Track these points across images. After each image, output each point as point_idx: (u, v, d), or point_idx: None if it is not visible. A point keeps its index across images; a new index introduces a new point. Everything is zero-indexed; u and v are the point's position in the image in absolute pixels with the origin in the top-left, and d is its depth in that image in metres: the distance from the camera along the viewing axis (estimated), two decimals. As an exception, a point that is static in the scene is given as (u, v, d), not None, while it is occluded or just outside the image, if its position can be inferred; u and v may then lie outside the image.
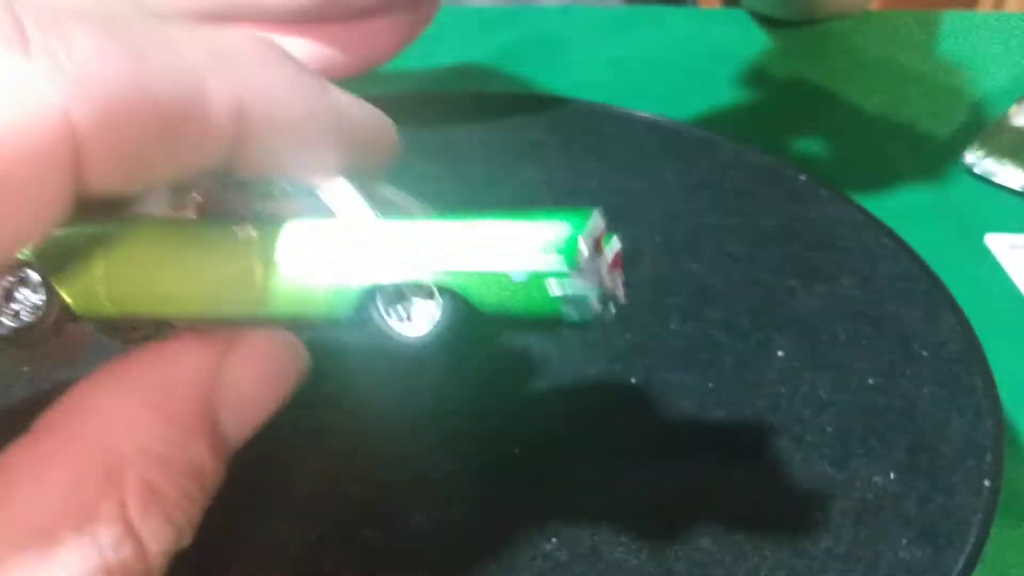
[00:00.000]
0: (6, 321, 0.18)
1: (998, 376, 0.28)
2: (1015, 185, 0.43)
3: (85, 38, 0.14)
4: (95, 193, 0.14)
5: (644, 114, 0.42)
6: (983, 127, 0.47)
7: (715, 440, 0.27)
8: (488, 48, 0.54)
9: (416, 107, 0.42)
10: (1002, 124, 0.47)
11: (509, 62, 0.52)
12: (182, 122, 0.15)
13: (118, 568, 0.15)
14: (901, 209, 0.42)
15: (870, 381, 0.28)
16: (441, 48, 0.53)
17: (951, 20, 0.58)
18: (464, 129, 0.41)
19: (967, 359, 0.29)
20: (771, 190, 0.37)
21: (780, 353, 0.29)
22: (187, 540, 0.17)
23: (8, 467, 0.15)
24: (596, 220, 0.16)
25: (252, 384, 0.17)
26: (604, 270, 0.16)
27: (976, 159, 0.45)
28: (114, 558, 0.15)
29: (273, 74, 0.16)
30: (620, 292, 0.17)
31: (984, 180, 0.44)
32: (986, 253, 0.40)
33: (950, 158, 0.45)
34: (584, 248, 0.15)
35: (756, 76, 0.53)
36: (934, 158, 0.46)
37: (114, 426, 0.16)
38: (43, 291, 0.18)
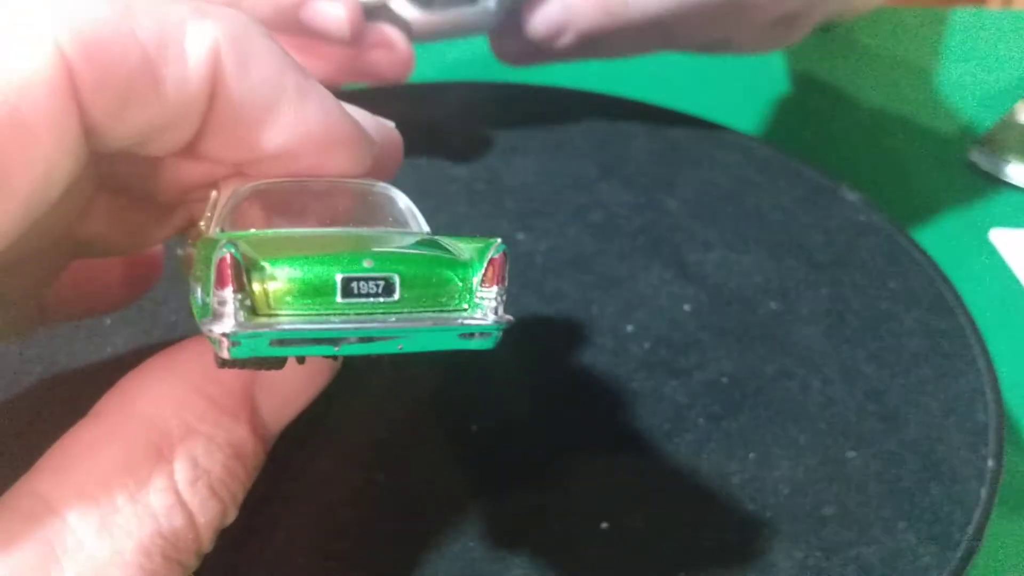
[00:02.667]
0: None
1: (1001, 370, 0.28)
2: (1020, 181, 0.44)
3: None
4: (98, 133, 0.16)
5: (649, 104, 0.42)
6: (989, 124, 0.47)
7: (706, 427, 0.27)
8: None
9: (414, 96, 0.42)
10: (1008, 121, 0.47)
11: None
12: (162, 59, 0.16)
13: (171, 534, 0.16)
14: (906, 204, 0.42)
15: (872, 373, 0.29)
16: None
17: (959, 17, 0.58)
18: (462, 119, 0.41)
19: (970, 353, 0.29)
20: (773, 184, 0.37)
21: (781, 340, 0.30)
22: (232, 516, 0.18)
23: (70, 444, 0.17)
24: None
25: (289, 373, 0.18)
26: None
27: (982, 155, 0.45)
28: (167, 525, 0.16)
29: (250, 38, 0.17)
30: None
31: (990, 176, 0.44)
32: (990, 248, 0.40)
33: (956, 154, 0.46)
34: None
35: (763, 71, 0.53)
36: (940, 154, 0.46)
37: (163, 407, 0.17)
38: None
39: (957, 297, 0.31)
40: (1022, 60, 0.54)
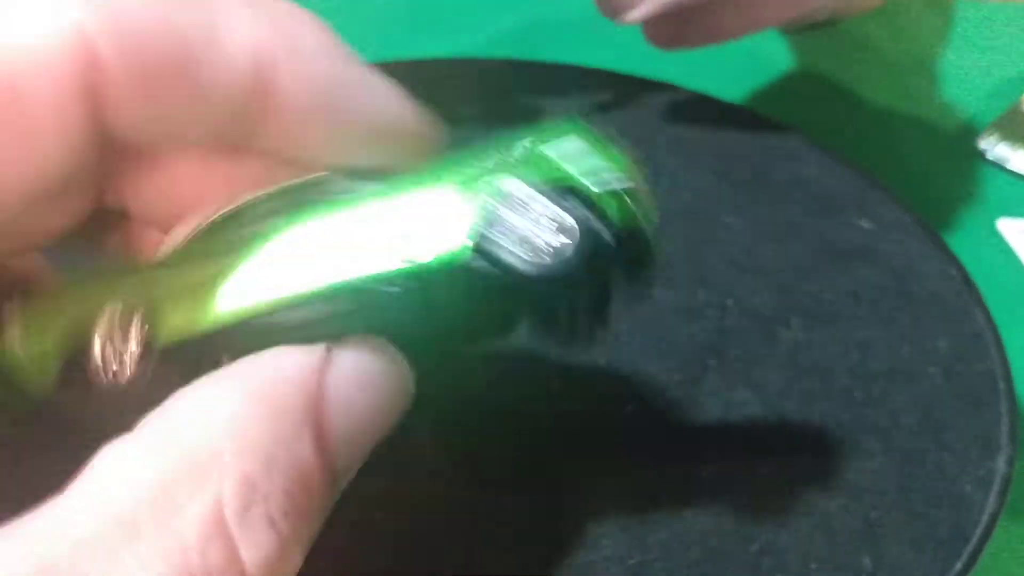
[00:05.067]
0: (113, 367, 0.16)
1: (1012, 360, 0.28)
2: (1029, 171, 0.43)
3: None
4: (115, 134, 0.14)
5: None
6: (997, 113, 0.47)
7: (709, 424, 0.26)
8: (497, 25, 0.53)
9: (416, 76, 0.41)
10: (1016, 110, 0.47)
11: (519, 37, 0.52)
12: (203, 53, 0.14)
13: (203, 572, 0.13)
14: (914, 193, 0.41)
15: (876, 364, 0.28)
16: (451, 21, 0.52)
17: (965, 7, 0.58)
18: (464, 99, 0.40)
19: (982, 343, 0.29)
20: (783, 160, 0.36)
21: (787, 333, 0.29)
22: (295, 562, 0.14)
23: (102, 459, 0.14)
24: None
25: (356, 389, 0.16)
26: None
27: (990, 145, 0.45)
28: (198, 561, 0.13)
29: (301, 28, 0.16)
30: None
31: (997, 166, 0.44)
32: (998, 238, 0.40)
33: (964, 144, 0.45)
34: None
35: (769, 62, 0.52)
36: (948, 144, 0.46)
37: (212, 415, 0.14)
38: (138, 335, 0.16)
39: (971, 284, 0.30)
40: (1029, 50, 0.54)
